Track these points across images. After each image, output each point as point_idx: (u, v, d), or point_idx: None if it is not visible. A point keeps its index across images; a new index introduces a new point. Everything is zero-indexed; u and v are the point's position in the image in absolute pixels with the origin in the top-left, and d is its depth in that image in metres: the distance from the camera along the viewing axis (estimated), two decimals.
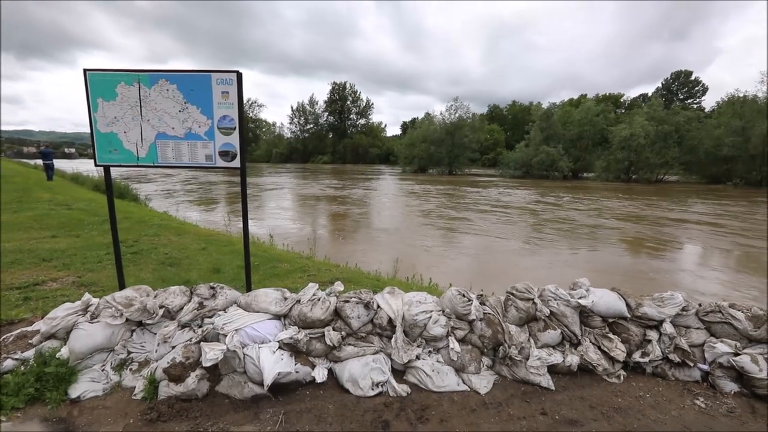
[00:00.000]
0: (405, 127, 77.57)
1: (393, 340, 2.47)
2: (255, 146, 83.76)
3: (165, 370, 2.19)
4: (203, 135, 2.86)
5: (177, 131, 2.83)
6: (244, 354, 2.26)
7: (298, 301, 2.62)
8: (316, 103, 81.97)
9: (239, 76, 2.82)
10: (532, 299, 2.63)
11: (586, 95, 60.07)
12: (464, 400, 2.29)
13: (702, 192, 25.87)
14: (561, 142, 40.40)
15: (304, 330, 2.47)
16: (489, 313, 2.58)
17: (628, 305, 2.70)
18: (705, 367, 2.53)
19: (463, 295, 2.59)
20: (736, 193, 24.90)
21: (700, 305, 2.76)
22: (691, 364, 2.53)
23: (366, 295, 2.63)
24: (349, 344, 2.49)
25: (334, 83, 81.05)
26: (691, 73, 62.55)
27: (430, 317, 2.52)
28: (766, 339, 2.45)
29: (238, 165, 2.94)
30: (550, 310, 2.63)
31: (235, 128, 2.88)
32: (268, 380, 2.14)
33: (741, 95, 34.48)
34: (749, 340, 2.50)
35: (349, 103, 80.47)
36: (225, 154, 2.91)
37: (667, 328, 2.62)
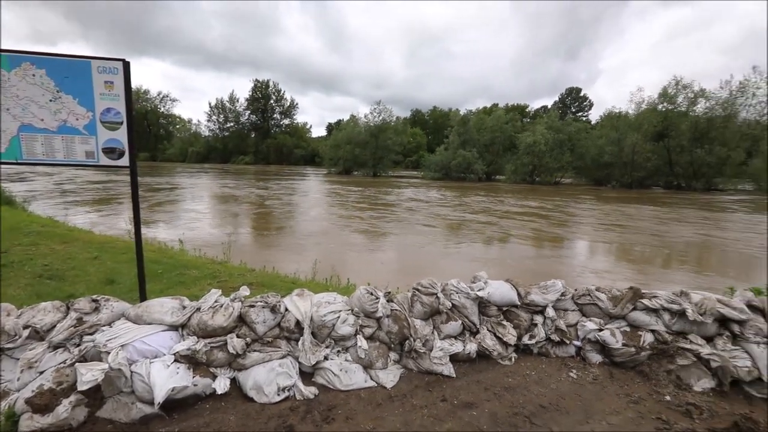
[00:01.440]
0: (330, 128, 76.87)
1: (300, 342, 2.44)
2: (167, 144, 76.12)
3: (28, 401, 1.89)
4: (82, 129, 2.54)
5: (47, 123, 2.47)
6: (131, 371, 2.05)
7: (198, 309, 2.46)
8: (237, 101, 77.27)
9: (126, 65, 2.56)
10: (436, 294, 2.80)
11: (497, 104, 65.68)
12: (371, 396, 2.35)
13: (584, 192, 29.87)
14: (476, 146, 43.49)
15: (205, 339, 2.33)
16: (396, 310, 2.68)
17: (519, 294, 3.01)
18: (578, 343, 2.92)
19: (371, 294, 2.66)
20: (614, 194, 29.21)
21: (575, 290, 3.18)
22: (568, 342, 2.91)
23: (273, 298, 2.56)
24: (255, 350, 2.40)
25: (257, 81, 77.16)
26: (580, 89, 71.83)
27: (339, 317, 2.54)
28: (622, 315, 2.91)
29: (127, 163, 2.66)
30: (452, 303, 2.83)
31: (122, 123, 2.60)
32: (159, 397, 1.97)
33: (617, 111, 40.93)
34: (610, 317, 2.95)
35: (272, 102, 77.28)
36: (110, 151, 2.62)
37: (550, 312, 2.98)
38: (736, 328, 2.68)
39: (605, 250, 10.14)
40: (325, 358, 2.47)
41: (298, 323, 2.52)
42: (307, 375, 2.50)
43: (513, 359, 2.83)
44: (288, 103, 78.50)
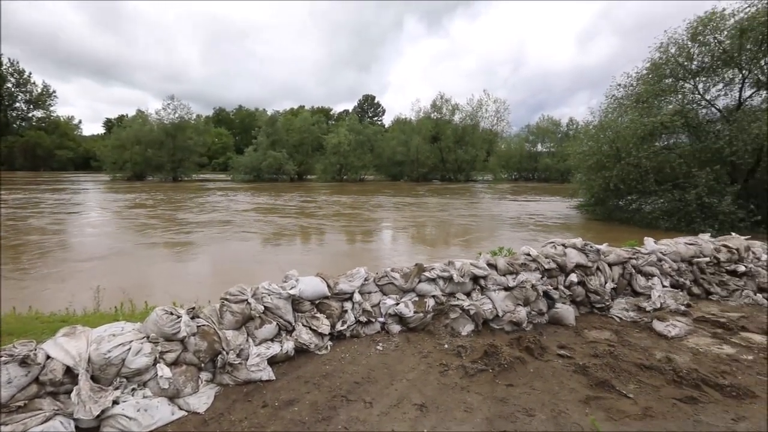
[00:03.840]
0: (110, 125, 61.38)
1: (74, 393, 1.95)
2: None
3: None
4: None
5: None
6: None
7: None
8: None
9: None
10: (246, 299, 2.72)
11: (303, 106, 67.19)
12: (181, 428, 2.10)
13: (385, 186, 34.34)
14: (286, 147, 43.43)
15: None
16: (203, 325, 2.47)
17: (328, 286, 3.24)
18: (382, 319, 3.38)
19: (171, 313, 2.36)
20: (405, 187, 34.54)
21: (376, 273, 3.65)
22: (374, 320, 3.33)
23: (23, 347, 1.95)
24: None
25: None
26: (374, 97, 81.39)
27: (130, 348, 2.16)
28: (412, 288, 3.53)
29: None
30: (265, 306, 2.81)
31: None
32: None
33: (404, 117, 48.79)
34: (403, 291, 3.53)
35: (10, 86, 55.99)
36: None
37: (357, 297, 3.33)
38: (482, 282, 3.65)
39: (401, 235, 11.92)
40: (115, 402, 2.06)
41: (69, 370, 2.01)
42: (93, 430, 2.03)
43: (329, 347, 3.03)
44: (39, 90, 58.85)
